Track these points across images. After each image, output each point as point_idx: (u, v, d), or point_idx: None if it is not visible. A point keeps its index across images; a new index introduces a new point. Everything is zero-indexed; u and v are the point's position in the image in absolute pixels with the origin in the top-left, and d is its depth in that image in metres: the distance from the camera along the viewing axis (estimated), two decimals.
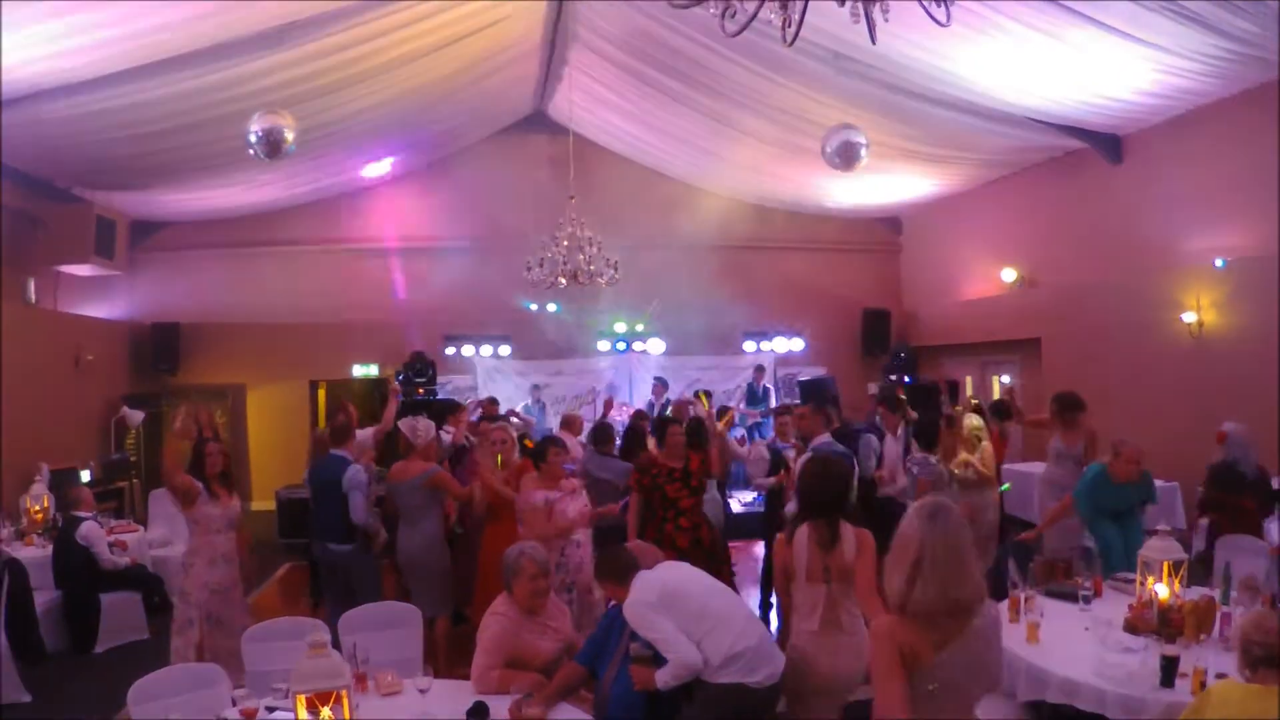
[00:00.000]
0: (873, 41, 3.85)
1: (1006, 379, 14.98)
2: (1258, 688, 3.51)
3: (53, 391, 12.73)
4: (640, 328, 16.74)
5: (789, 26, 3.64)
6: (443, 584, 7.40)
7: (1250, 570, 6.01)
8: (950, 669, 3.23)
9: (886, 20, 3.77)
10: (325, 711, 3.47)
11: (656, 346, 16.87)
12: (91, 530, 8.79)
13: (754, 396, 15.70)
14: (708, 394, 11.33)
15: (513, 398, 15.12)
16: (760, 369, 16.16)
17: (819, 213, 17.63)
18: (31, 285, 13.04)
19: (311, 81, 10.80)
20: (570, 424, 10.81)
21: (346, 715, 3.56)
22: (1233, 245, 10.68)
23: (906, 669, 3.21)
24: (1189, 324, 11.10)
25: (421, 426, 7.54)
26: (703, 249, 16.44)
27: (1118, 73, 10.04)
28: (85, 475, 12.12)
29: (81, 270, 13.95)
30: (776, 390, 16.68)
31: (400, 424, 7.67)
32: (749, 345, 17.13)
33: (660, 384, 15.27)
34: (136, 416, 14.20)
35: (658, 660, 4.53)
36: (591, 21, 12.25)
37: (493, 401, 12.33)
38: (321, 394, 16.25)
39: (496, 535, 7.24)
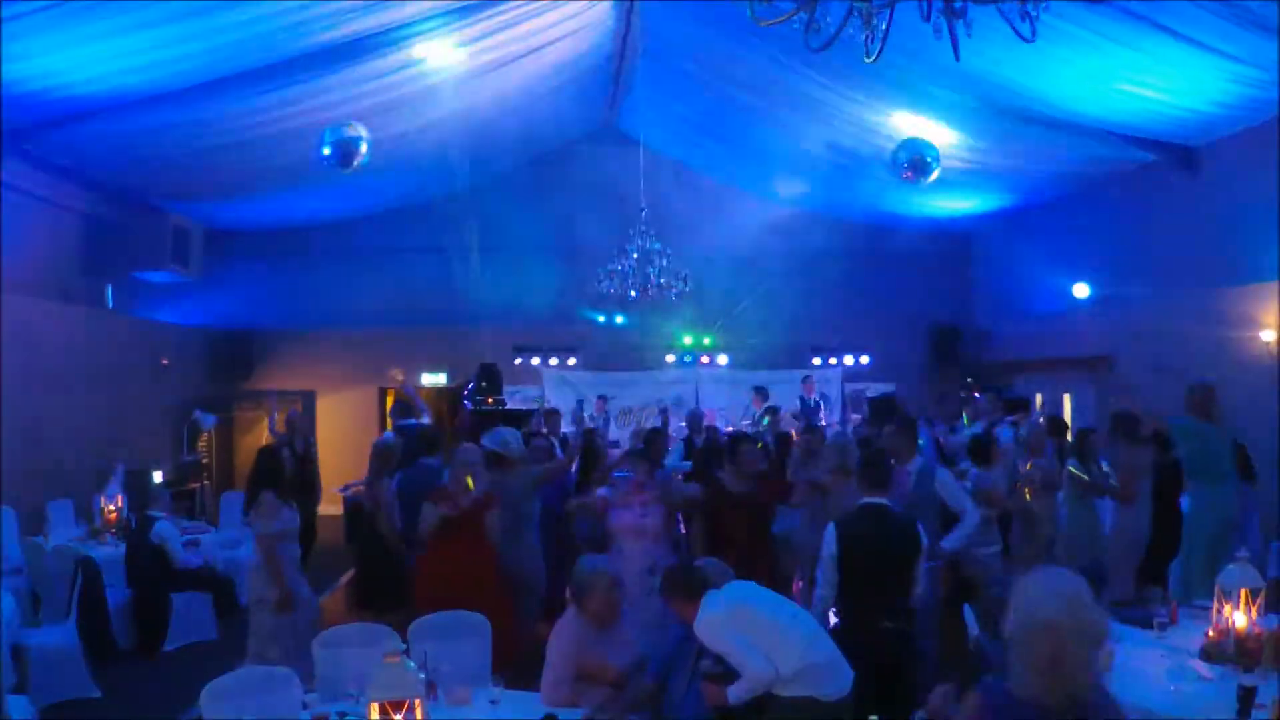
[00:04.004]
0: (956, 58, 3.82)
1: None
2: None
3: (129, 394, 13.02)
4: (707, 341, 16.71)
5: (872, 42, 3.62)
6: (538, 593, 7.35)
7: None
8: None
9: (969, 36, 3.74)
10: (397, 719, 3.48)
11: (723, 360, 16.84)
12: (166, 530, 8.94)
13: (805, 407, 15.46)
14: (775, 409, 11.22)
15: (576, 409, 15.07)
16: (808, 379, 15.91)
17: (888, 226, 17.50)
18: (111, 291, 13.33)
19: (384, 94, 10.94)
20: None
21: None
22: None
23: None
24: (1268, 342, 10.81)
25: (510, 437, 7.50)
26: (771, 262, 16.37)
27: (1191, 83, 9.81)
28: (158, 476, 12.33)
29: (158, 277, 14.24)
30: (841, 405, 16.50)
31: (488, 441, 7.51)
32: (816, 360, 17.02)
33: (760, 393, 14.96)
34: (209, 420, 14.48)
35: (728, 676, 4.51)
36: (660, 33, 12.27)
37: (554, 413, 12.27)
38: (389, 401, 16.44)
39: (442, 553, 6.75)
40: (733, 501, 7.07)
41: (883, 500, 5.57)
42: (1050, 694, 2.76)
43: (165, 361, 14.06)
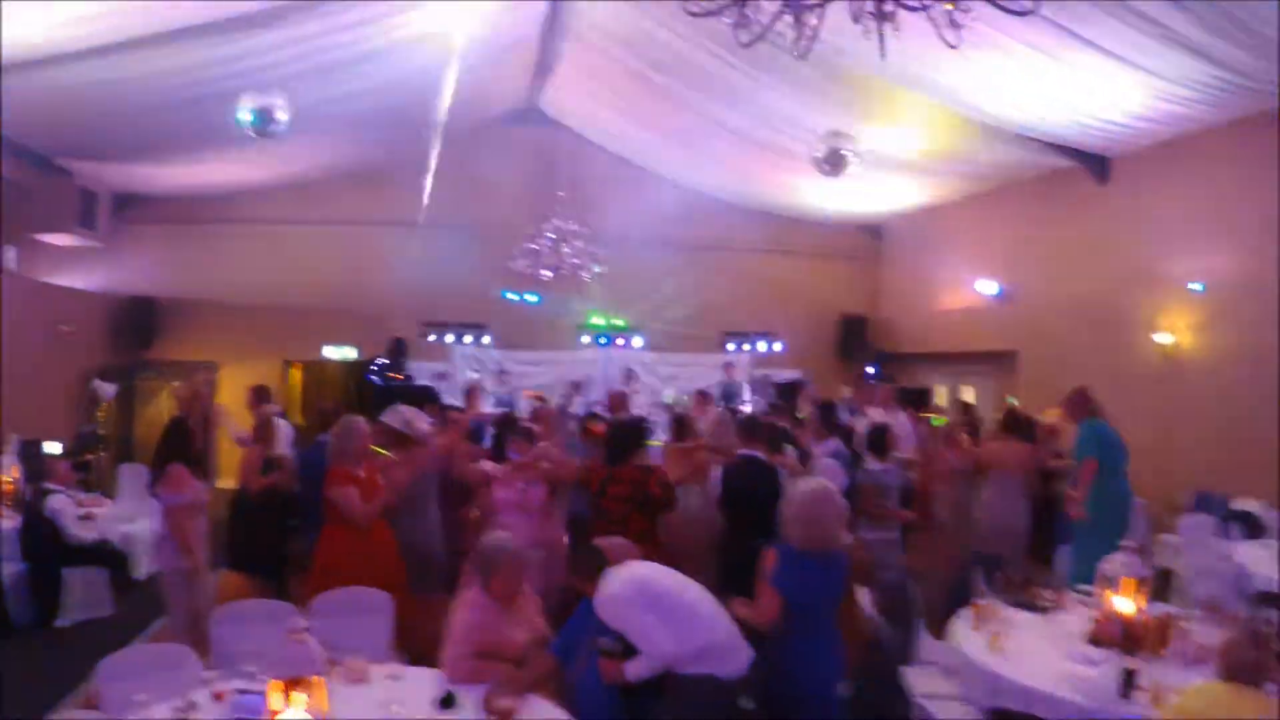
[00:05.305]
0: (882, 56, 3.90)
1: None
2: (1239, 687, 3.82)
3: (27, 361, 12.58)
4: (620, 323, 16.78)
5: (801, 40, 3.68)
6: (440, 566, 7.30)
7: (1213, 590, 6.14)
8: None
9: (896, 36, 3.82)
10: (298, 697, 3.46)
11: (637, 343, 16.95)
12: (60, 503, 8.72)
13: (729, 393, 15.64)
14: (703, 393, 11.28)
15: (485, 387, 14.94)
16: (730, 365, 16.14)
17: (804, 217, 17.67)
18: (13, 253, 12.92)
19: (303, 62, 10.73)
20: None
21: (324, 704, 3.54)
22: (1212, 270, 10.76)
23: None
24: (1162, 345, 11.20)
25: (411, 415, 7.40)
26: (686, 248, 16.51)
27: (1111, 95, 10.11)
28: (55, 447, 11.98)
29: (62, 240, 13.83)
30: (752, 389, 16.70)
31: (390, 419, 7.26)
32: (730, 345, 17.24)
33: (628, 374, 15.13)
34: (109, 389, 14.10)
35: (627, 654, 4.56)
36: (587, 16, 12.23)
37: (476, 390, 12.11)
38: (295, 375, 16.18)
39: (334, 536, 6.38)
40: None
41: (756, 453, 7.20)
42: (808, 545, 4.81)
43: (66, 328, 13.65)
